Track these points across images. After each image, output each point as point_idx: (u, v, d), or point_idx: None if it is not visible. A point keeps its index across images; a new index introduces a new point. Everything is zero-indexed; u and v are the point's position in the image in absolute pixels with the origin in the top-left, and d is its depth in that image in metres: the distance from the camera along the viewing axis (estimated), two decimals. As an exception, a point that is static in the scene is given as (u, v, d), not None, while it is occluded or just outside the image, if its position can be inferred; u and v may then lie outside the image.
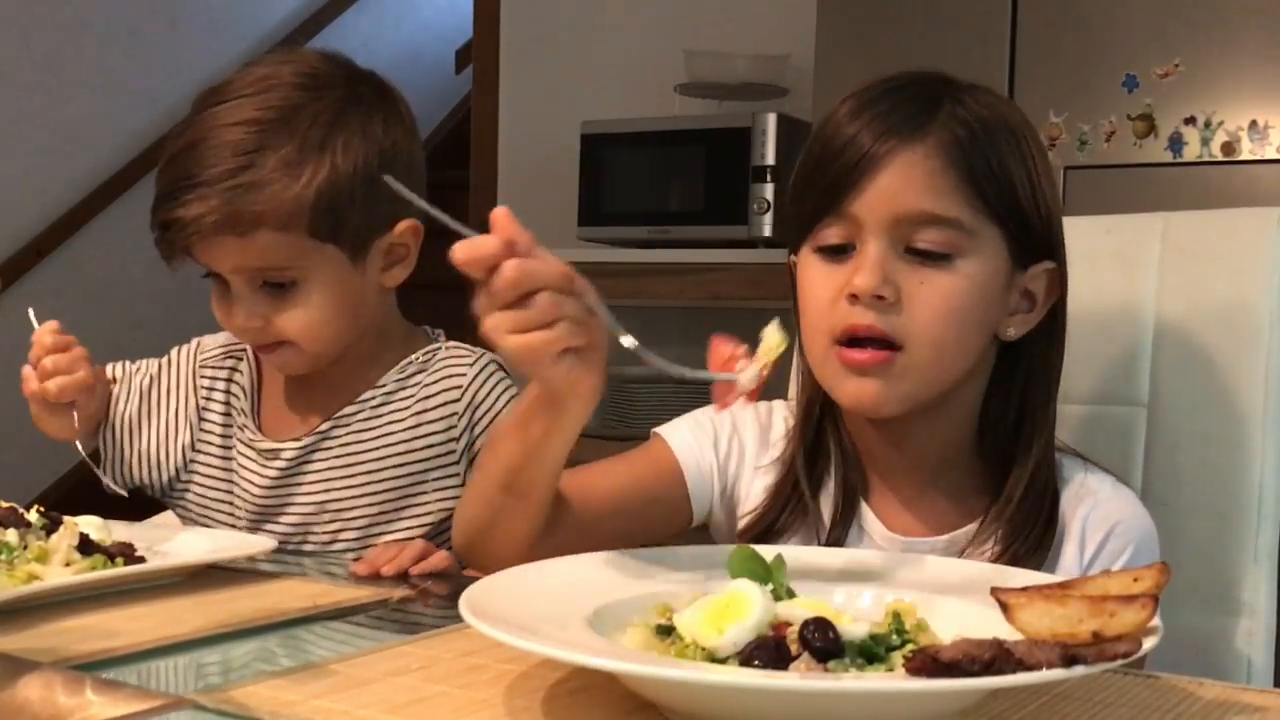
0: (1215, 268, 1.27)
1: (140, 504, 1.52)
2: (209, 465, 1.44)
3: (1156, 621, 0.75)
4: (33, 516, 1.15)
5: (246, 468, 1.41)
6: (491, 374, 1.39)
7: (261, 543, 1.24)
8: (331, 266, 1.31)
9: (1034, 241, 1.10)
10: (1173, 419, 1.27)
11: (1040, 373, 1.13)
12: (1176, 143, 2.46)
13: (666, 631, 0.82)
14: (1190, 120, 2.45)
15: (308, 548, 1.40)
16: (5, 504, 1.17)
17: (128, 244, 4.40)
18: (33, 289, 4.11)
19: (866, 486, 1.16)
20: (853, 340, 1.06)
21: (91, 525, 1.16)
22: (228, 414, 1.44)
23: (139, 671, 0.88)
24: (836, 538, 1.14)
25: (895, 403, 1.08)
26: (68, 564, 1.09)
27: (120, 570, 1.09)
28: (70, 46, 4.21)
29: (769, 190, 3.15)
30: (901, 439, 1.14)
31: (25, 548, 1.09)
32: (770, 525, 1.15)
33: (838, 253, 1.08)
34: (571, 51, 3.91)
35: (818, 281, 1.09)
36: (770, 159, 3.16)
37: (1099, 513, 1.10)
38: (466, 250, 0.87)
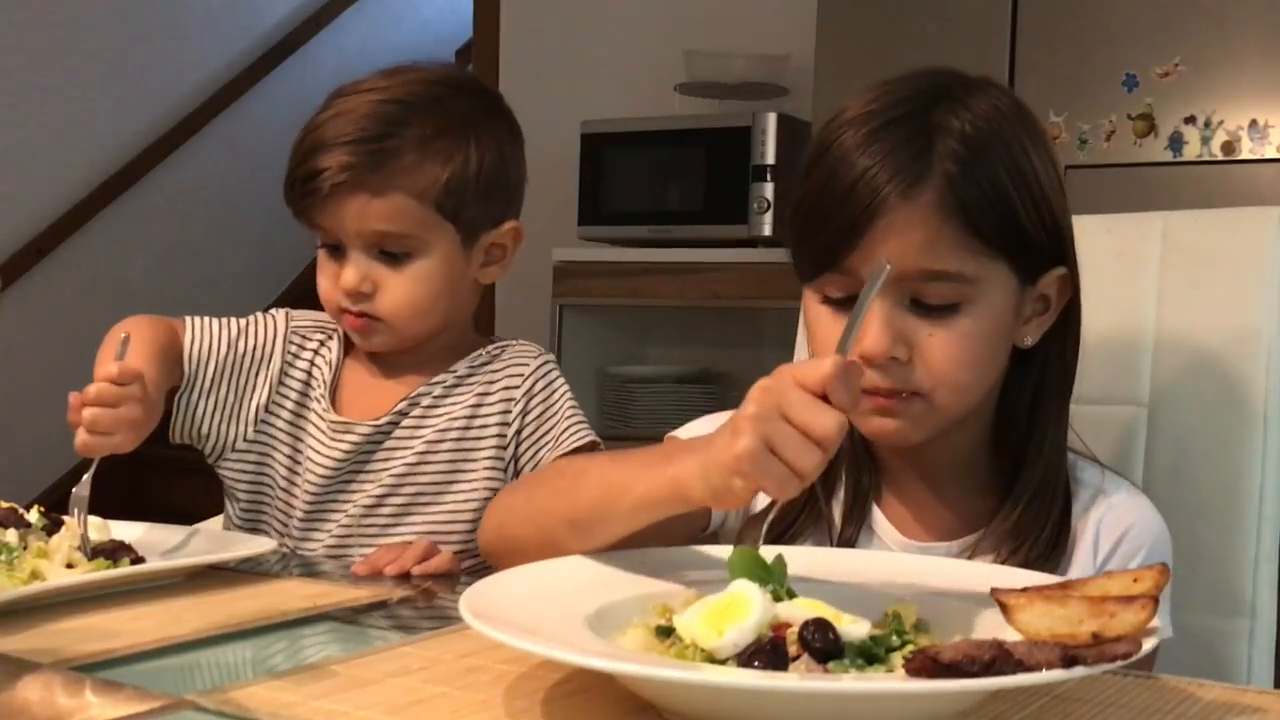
0: (1215, 267, 1.27)
1: (139, 506, 1.51)
2: (279, 430, 1.44)
3: (1157, 622, 0.75)
4: (33, 516, 1.15)
5: (317, 441, 1.42)
6: (551, 369, 1.44)
7: (262, 543, 1.24)
8: (446, 245, 1.38)
9: (1043, 256, 1.08)
10: (1173, 419, 1.27)
11: (1054, 373, 1.12)
12: (1176, 142, 2.46)
13: (666, 632, 0.82)
14: (1190, 120, 2.45)
15: (345, 519, 1.40)
16: (5, 504, 1.17)
17: (128, 244, 4.40)
18: (33, 289, 4.11)
19: (879, 490, 1.15)
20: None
21: (92, 525, 1.16)
22: (306, 385, 1.46)
23: (139, 673, 0.88)
24: (847, 540, 1.13)
25: (920, 436, 1.08)
26: (70, 565, 1.09)
27: (120, 570, 1.08)
28: (70, 46, 4.21)
29: (769, 190, 3.15)
30: (916, 449, 1.13)
31: (25, 548, 1.09)
32: (784, 530, 1.14)
33: (844, 304, 1.07)
34: (571, 51, 3.91)
35: (828, 331, 1.08)
36: (770, 159, 3.15)
37: (1113, 516, 1.10)
38: (816, 373, 0.85)
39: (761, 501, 1.16)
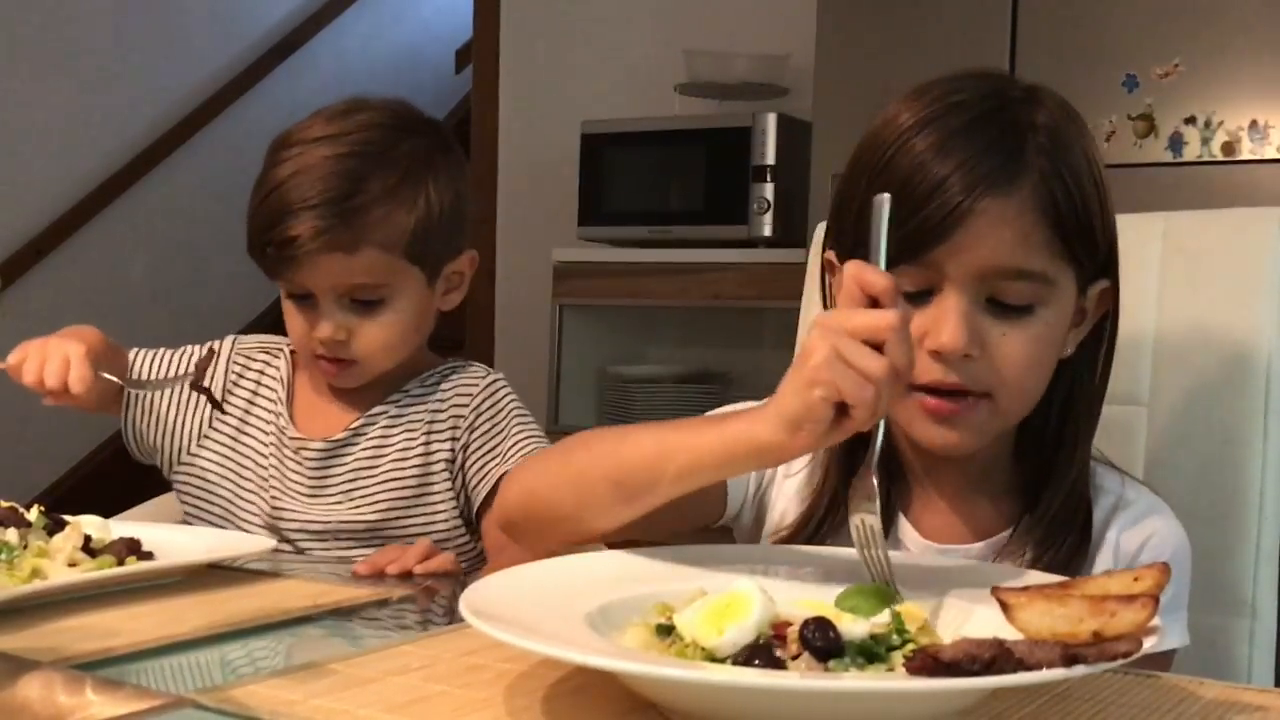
0: (1215, 268, 1.27)
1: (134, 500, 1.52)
2: (221, 445, 1.49)
3: (1157, 621, 0.75)
4: (33, 516, 1.15)
5: (271, 459, 1.46)
6: (499, 387, 1.47)
7: (261, 543, 1.25)
8: (414, 287, 1.43)
9: (1097, 266, 1.09)
10: (1173, 419, 1.27)
11: (1086, 384, 1.12)
12: (1176, 143, 2.46)
13: (666, 631, 0.82)
14: (1190, 120, 2.45)
15: (314, 540, 1.41)
16: (5, 504, 1.17)
17: (128, 244, 4.40)
18: (33, 289, 4.11)
19: (907, 492, 1.15)
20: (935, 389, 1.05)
21: (92, 525, 1.16)
22: (251, 402, 1.50)
23: (139, 671, 0.88)
24: None
25: (977, 444, 1.08)
26: (72, 564, 1.09)
27: (120, 570, 1.08)
28: (70, 46, 4.21)
29: (769, 190, 3.15)
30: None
31: (25, 547, 1.09)
32: (808, 538, 1.12)
33: (914, 298, 1.05)
34: (571, 51, 3.91)
35: None
36: (770, 159, 3.15)
37: (1134, 525, 1.10)
38: (872, 275, 0.87)
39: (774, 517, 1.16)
